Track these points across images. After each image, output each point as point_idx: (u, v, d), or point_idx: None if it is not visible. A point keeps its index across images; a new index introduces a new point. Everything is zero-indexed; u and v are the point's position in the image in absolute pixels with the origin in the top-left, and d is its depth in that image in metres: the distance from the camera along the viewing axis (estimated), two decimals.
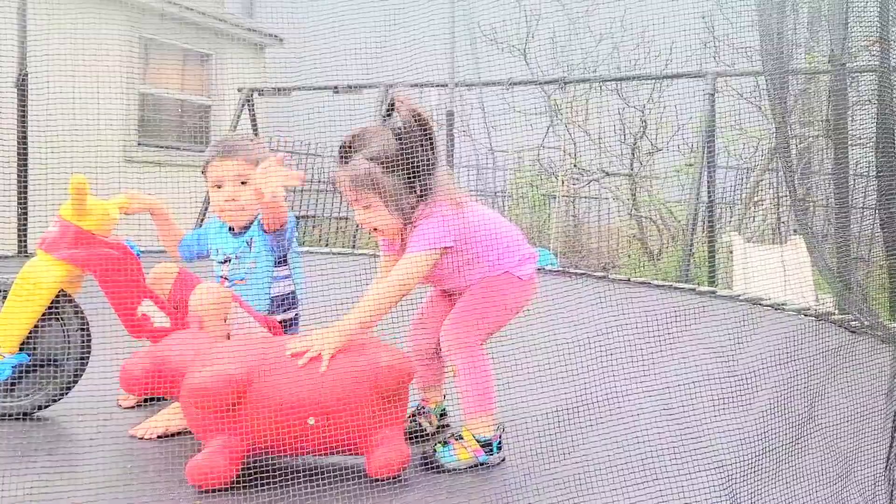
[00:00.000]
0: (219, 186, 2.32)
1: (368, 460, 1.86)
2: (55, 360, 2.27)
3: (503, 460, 2.01)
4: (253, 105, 7.02)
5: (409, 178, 1.92)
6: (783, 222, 6.57)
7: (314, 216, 8.44)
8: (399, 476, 1.86)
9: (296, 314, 2.41)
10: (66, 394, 2.28)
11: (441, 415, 2.25)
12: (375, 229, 2.00)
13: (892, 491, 1.76)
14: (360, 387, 1.84)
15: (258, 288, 2.33)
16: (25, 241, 4.75)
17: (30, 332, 2.23)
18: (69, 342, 2.27)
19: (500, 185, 8.55)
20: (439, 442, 2.01)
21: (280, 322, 2.36)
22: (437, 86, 6.52)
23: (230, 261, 2.39)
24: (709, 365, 2.34)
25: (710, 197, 5.64)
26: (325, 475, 1.76)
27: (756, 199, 6.95)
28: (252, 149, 2.34)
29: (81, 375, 2.29)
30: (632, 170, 7.48)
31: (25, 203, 4.64)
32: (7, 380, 2.21)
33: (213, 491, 1.77)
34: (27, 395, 2.26)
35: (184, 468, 1.79)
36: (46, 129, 4.60)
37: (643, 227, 7.60)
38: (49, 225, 2.28)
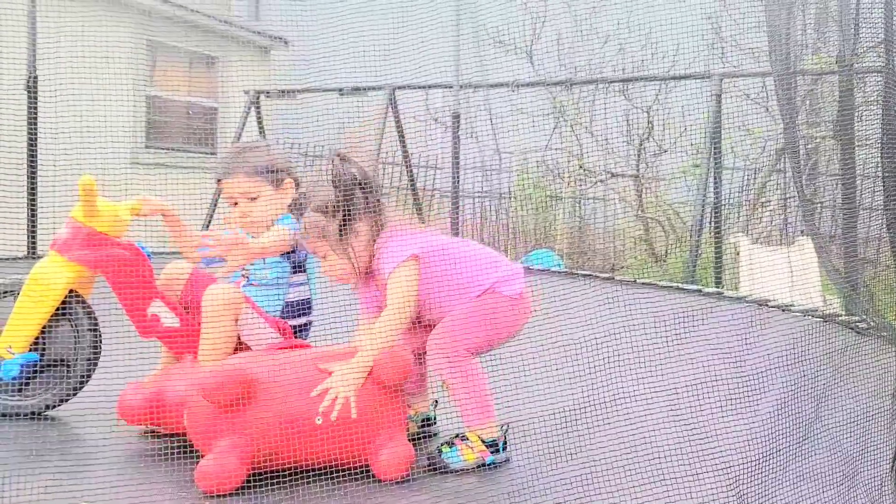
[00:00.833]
0: (235, 203, 2.36)
1: (375, 462, 1.87)
2: (65, 360, 2.29)
3: (508, 460, 2.02)
4: (259, 107, 7.04)
5: (352, 220, 2.02)
6: (790, 223, 6.56)
7: None
8: (407, 477, 1.87)
9: (308, 321, 2.42)
10: (77, 393, 2.30)
11: (426, 422, 2.24)
12: (336, 279, 2.09)
13: None
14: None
15: (273, 292, 2.34)
16: (35, 242, 4.78)
17: (40, 332, 2.26)
18: (79, 342, 2.29)
19: (506, 187, 8.55)
20: (445, 443, 2.01)
21: (292, 327, 2.38)
22: (443, 87, 6.53)
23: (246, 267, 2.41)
24: (716, 366, 2.34)
25: (716, 198, 5.63)
26: (330, 478, 1.77)
27: (763, 200, 6.94)
28: (257, 159, 2.35)
29: (92, 375, 2.31)
30: (638, 171, 7.47)
31: (35, 205, 4.68)
32: (18, 379, 2.24)
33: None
34: (38, 394, 2.28)
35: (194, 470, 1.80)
36: (55, 132, 4.64)
37: (649, 229, 7.59)
38: (59, 227, 2.31)
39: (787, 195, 6.55)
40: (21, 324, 2.23)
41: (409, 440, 1.95)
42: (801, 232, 6.08)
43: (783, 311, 3.78)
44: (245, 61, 8.42)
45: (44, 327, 2.26)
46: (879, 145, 2.90)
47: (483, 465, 1.99)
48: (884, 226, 2.90)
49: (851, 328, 3.21)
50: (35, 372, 2.27)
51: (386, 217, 2.07)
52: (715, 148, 5.50)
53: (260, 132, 7.03)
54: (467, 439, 2.00)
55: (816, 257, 4.40)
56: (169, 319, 2.31)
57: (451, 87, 6.24)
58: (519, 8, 7.15)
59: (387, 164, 7.55)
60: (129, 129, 7.01)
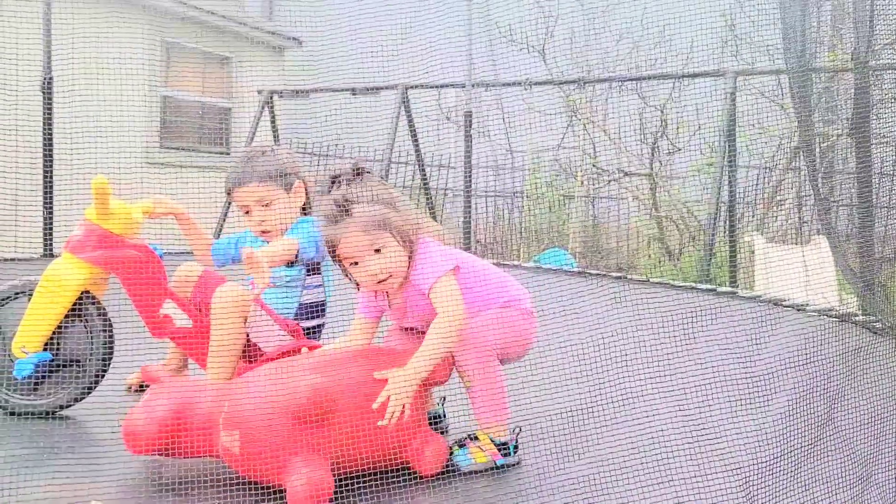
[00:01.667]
0: (247, 212, 2.37)
1: (418, 459, 1.87)
2: (78, 360, 2.31)
3: (518, 462, 2.01)
4: (273, 107, 7.07)
5: (407, 209, 1.99)
6: (805, 222, 6.50)
7: None
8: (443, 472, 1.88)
9: (323, 323, 2.42)
10: (90, 392, 2.32)
11: (435, 419, 2.22)
12: (385, 279, 1.98)
13: None
14: None
15: (287, 294, 2.35)
16: (51, 242, 4.83)
17: (54, 332, 2.28)
18: (92, 342, 2.31)
19: (519, 186, 8.54)
20: (455, 444, 2.01)
21: (305, 329, 2.38)
22: (455, 86, 6.53)
23: None
24: (727, 366, 2.33)
25: (730, 196, 5.59)
26: (341, 477, 1.77)
27: (778, 198, 6.88)
28: (268, 164, 2.35)
29: (104, 375, 2.33)
30: (651, 169, 7.43)
31: (51, 205, 4.72)
32: (31, 378, 2.26)
33: (230, 489, 1.75)
34: (51, 393, 2.31)
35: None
36: (71, 132, 4.67)
37: (663, 228, 7.55)
38: (74, 227, 2.33)
39: (803, 193, 6.49)
40: (34, 323, 2.25)
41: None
42: (817, 230, 6.02)
43: (798, 310, 3.74)
44: (258, 61, 8.45)
45: (57, 327, 2.28)
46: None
47: (494, 466, 1.99)
48: None
49: (867, 328, 3.18)
50: (49, 371, 2.29)
51: (421, 222, 2.04)
52: (729, 146, 5.46)
53: (273, 132, 7.06)
54: (478, 440, 1.99)
55: (832, 256, 4.36)
56: (182, 320, 2.33)
57: (463, 85, 6.23)
58: (531, 6, 7.13)
59: (399, 163, 7.56)
60: (144, 129, 7.06)
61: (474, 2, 5.92)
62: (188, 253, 2.53)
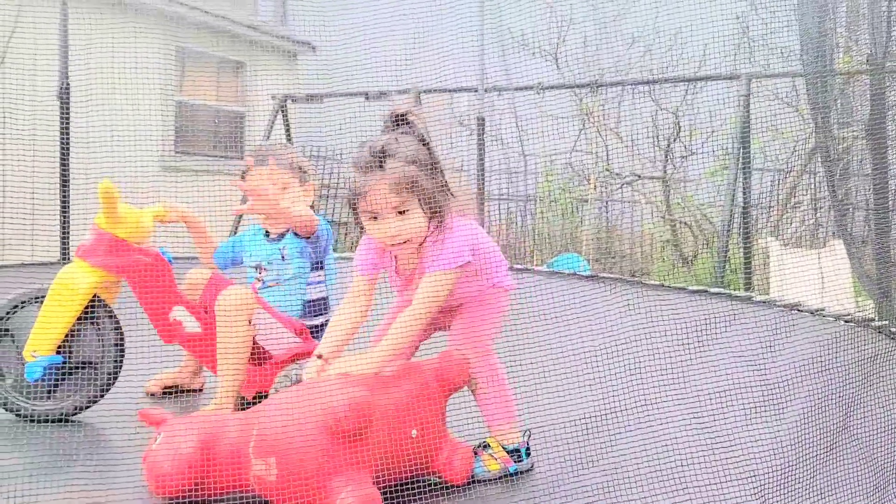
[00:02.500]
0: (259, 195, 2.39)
1: (448, 467, 1.86)
2: (90, 364, 2.33)
3: (532, 468, 2.00)
4: (286, 112, 7.11)
5: (440, 181, 1.92)
6: (821, 226, 6.44)
7: (346, 223, 8.51)
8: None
9: (325, 320, 2.44)
10: (103, 396, 2.34)
11: None
12: (405, 242, 1.92)
13: None
14: (431, 389, 1.85)
15: (292, 292, 2.37)
16: (67, 248, 4.87)
17: (65, 337, 2.30)
18: (104, 346, 2.33)
19: (532, 190, 8.53)
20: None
21: (309, 328, 2.40)
22: (468, 91, 6.53)
23: (261, 268, 2.45)
24: (742, 372, 2.31)
25: (745, 200, 5.56)
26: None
27: (793, 202, 6.83)
28: (284, 153, 2.40)
29: (116, 379, 2.35)
30: (665, 173, 7.40)
31: (67, 211, 4.76)
32: (42, 381, 2.28)
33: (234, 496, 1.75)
34: (64, 398, 2.33)
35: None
36: (87, 139, 4.72)
37: (677, 231, 7.51)
38: (87, 233, 2.35)
39: (818, 197, 6.44)
40: (45, 328, 2.28)
41: None
42: (833, 234, 5.97)
43: (814, 315, 3.71)
44: (272, 66, 8.50)
45: (68, 332, 2.30)
46: None
47: (507, 474, 1.97)
48: None
49: (885, 333, 3.14)
50: (61, 376, 2.31)
51: (454, 190, 1.95)
52: (744, 149, 5.43)
53: (287, 137, 7.10)
54: (489, 448, 1.98)
55: (848, 260, 4.32)
56: (191, 324, 2.34)
57: (476, 90, 6.24)
58: (544, 11, 7.13)
59: None
60: (159, 134, 7.11)
61: (487, 8, 5.92)
62: (197, 258, 2.56)
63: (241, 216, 5.60)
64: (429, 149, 1.93)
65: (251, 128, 8.14)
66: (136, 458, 1.83)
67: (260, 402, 1.96)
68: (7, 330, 2.35)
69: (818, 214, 6.46)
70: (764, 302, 4.06)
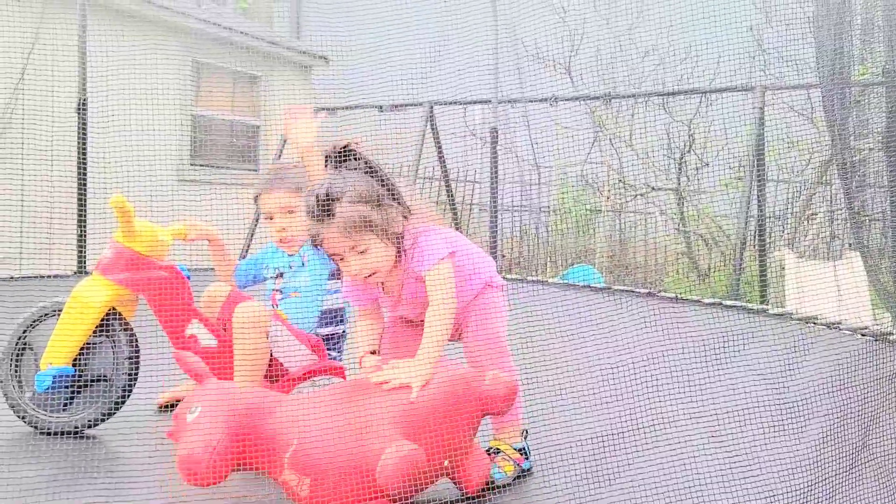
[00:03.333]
0: (270, 218, 2.41)
1: (468, 478, 1.86)
2: (105, 377, 2.35)
3: (531, 469, 2.03)
4: None
5: (394, 206, 1.94)
6: (837, 237, 6.40)
7: None
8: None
9: (343, 330, 2.45)
10: (117, 410, 2.35)
11: None
12: (372, 274, 1.94)
13: None
14: (475, 416, 1.86)
15: (310, 300, 2.39)
16: (84, 261, 4.92)
17: (80, 350, 2.31)
18: (117, 360, 2.35)
19: (545, 201, 8.53)
20: None
21: (324, 337, 2.40)
22: (482, 103, 6.55)
23: (283, 275, 2.46)
24: (760, 389, 2.30)
25: (760, 211, 5.53)
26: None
27: (809, 213, 6.78)
28: (296, 177, 2.40)
29: (131, 393, 2.36)
30: (679, 184, 7.38)
31: (84, 224, 4.81)
32: (54, 392, 2.29)
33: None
34: (79, 411, 2.34)
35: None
36: (105, 153, 4.77)
37: (691, 243, 7.48)
38: (105, 246, 2.38)
39: (834, 208, 6.39)
40: (61, 341, 2.30)
41: None
42: (849, 246, 5.93)
43: (831, 328, 3.68)
44: (287, 79, 8.56)
45: (83, 345, 2.32)
46: None
47: (522, 471, 2.01)
48: None
49: None
50: (76, 388, 2.33)
51: (409, 206, 1.98)
52: (758, 160, 5.41)
53: None
54: (500, 452, 2.01)
55: (865, 272, 4.29)
56: (207, 339, 2.36)
57: (489, 102, 6.25)
58: (557, 23, 7.15)
59: (426, 179, 7.60)
60: (176, 147, 7.18)
61: (501, 20, 5.95)
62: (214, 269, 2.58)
63: (252, 234, 5.65)
64: (378, 175, 1.94)
65: (266, 140, 8.19)
66: (154, 474, 1.84)
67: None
68: (27, 343, 2.37)
69: (834, 226, 6.42)
70: (780, 315, 4.03)
